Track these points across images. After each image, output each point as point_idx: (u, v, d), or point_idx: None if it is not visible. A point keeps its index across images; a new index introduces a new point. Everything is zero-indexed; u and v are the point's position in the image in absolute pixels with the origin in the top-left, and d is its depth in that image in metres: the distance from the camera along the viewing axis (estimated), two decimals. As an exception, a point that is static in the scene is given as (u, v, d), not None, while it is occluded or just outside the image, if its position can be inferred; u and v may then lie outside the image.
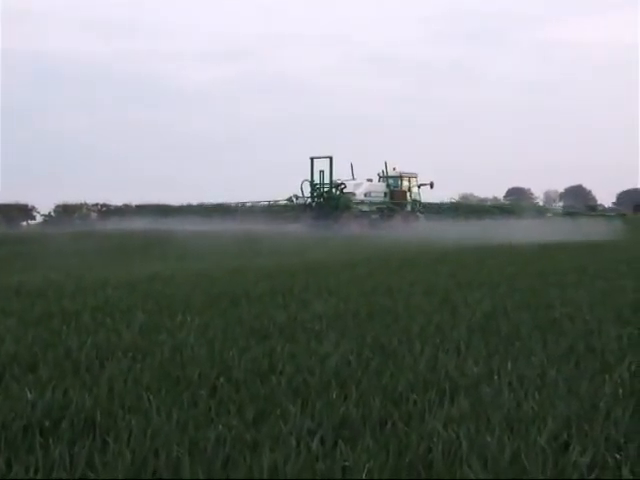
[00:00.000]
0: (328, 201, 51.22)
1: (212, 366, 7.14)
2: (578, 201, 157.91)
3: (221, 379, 6.68)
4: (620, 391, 6.12)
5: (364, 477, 4.56)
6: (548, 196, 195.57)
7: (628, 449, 4.93)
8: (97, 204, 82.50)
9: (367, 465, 4.65)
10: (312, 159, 52.08)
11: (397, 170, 56.42)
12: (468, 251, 25.50)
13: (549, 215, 68.97)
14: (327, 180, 52.37)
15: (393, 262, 19.81)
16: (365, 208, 53.02)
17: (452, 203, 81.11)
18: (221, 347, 8.02)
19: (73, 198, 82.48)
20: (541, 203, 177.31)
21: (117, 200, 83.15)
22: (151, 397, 6.06)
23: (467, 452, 4.83)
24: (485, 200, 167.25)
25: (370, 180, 55.45)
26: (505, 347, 7.96)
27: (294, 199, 53.69)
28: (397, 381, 6.51)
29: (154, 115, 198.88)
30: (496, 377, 6.65)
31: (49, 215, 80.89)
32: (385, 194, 54.81)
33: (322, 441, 5.18)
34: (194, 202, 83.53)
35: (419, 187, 58.00)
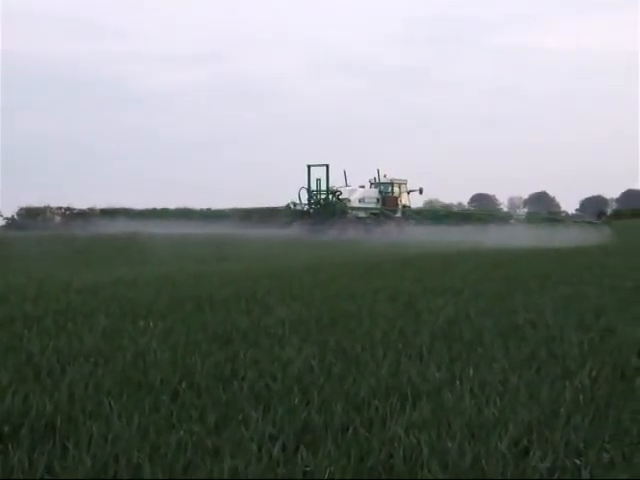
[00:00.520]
0: (325, 207, 52.93)
1: (174, 371, 7.12)
2: (542, 207, 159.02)
3: (183, 384, 6.66)
4: (581, 397, 6.16)
5: (325, 481, 4.57)
6: (512, 202, 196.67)
7: (588, 454, 4.96)
8: (61, 207, 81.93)
9: (328, 470, 4.66)
10: (309, 166, 54.06)
11: (388, 177, 57.95)
12: (449, 255, 25.60)
13: (512, 222, 69.85)
14: (323, 186, 54.18)
15: (361, 267, 19.85)
16: (360, 214, 54.42)
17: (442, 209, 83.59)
18: (184, 352, 7.99)
19: (37, 201, 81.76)
20: (505, 209, 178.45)
21: (81, 204, 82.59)
22: (112, 402, 6.02)
23: (428, 457, 4.85)
24: (450, 206, 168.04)
25: (363, 187, 57.16)
26: (468, 353, 7.99)
27: (292, 205, 55.30)
28: (359, 387, 6.51)
29: (119, 117, 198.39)
30: (458, 383, 6.67)
31: (12, 218, 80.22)
32: (378, 200, 56.48)
33: (283, 446, 5.18)
34: (158, 206, 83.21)
35: (409, 193, 59.63)
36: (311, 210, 53.68)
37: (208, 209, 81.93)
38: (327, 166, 53.55)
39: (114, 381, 6.72)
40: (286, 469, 4.76)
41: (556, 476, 4.67)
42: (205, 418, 5.74)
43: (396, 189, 58.37)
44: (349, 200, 54.39)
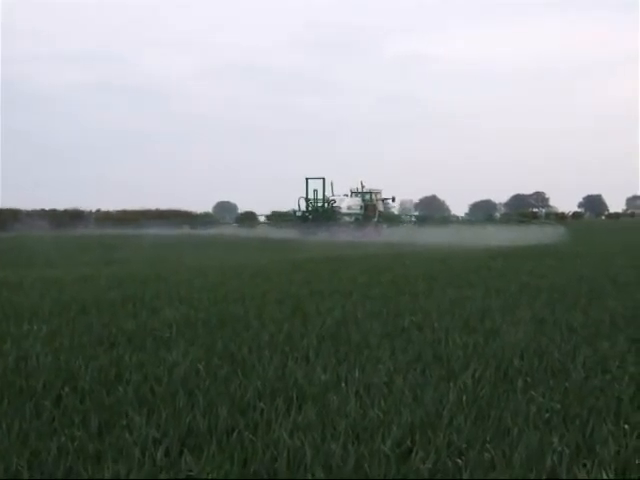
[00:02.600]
0: (323, 214, 62.10)
1: (57, 375, 7.00)
2: (432, 211, 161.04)
3: (66, 389, 6.55)
4: (464, 398, 6.24)
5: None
6: (404, 205, 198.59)
7: (469, 454, 5.03)
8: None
9: (211, 475, 4.63)
10: (307, 179, 63.05)
11: (366, 187, 66.68)
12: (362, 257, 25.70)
13: (403, 224, 74.66)
14: (320, 196, 63.38)
15: (251, 270, 19.78)
16: (347, 219, 63.29)
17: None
18: (68, 356, 7.87)
19: None
20: (396, 212, 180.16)
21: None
22: (-8, 408, 5.89)
23: (311, 460, 4.85)
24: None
25: (347, 195, 65.95)
26: (354, 355, 8.02)
27: (294, 212, 64.63)
28: (245, 389, 6.50)
29: (6, 118, 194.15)
30: (344, 385, 6.70)
31: None
32: (361, 207, 65.39)
33: (167, 451, 5.13)
34: (47, 207, 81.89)
35: (383, 201, 69.44)
36: (310, 216, 61.99)
37: (98, 210, 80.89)
38: (323, 179, 62.85)
39: (-6, 386, 6.57)
40: (168, 474, 4.72)
41: (438, 477, 4.72)
42: (88, 423, 5.66)
43: (374, 197, 67.02)
44: (340, 207, 63.42)
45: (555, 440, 5.24)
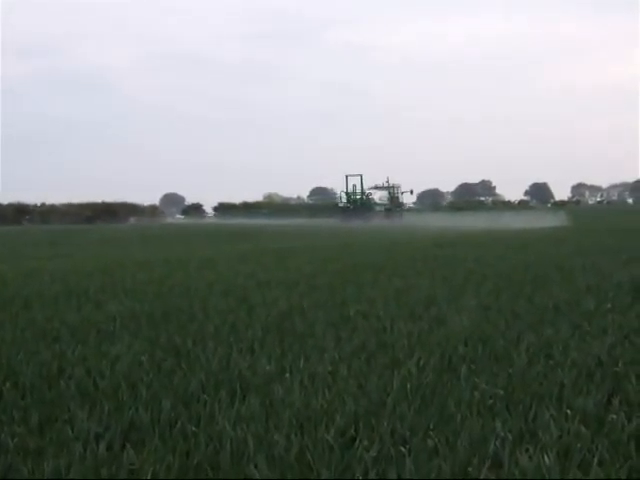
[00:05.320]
0: (361, 204, 76.78)
1: (-2, 371, 6.91)
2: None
3: (7, 384, 6.46)
4: (408, 386, 6.24)
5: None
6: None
7: (412, 442, 5.03)
8: None
9: (152, 468, 4.58)
10: (347, 176, 78.46)
11: (390, 182, 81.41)
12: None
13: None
14: (355, 190, 79.02)
15: (197, 262, 19.69)
16: (378, 209, 77.82)
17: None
18: (9, 351, 7.77)
19: None
20: (411, 204, 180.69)
21: None
22: None
23: (255, 451, 4.83)
24: (290, 199, 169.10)
25: (374, 188, 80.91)
26: (299, 345, 8.01)
27: (339, 203, 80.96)
28: (189, 382, 6.45)
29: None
30: (288, 375, 6.68)
31: None
32: (387, 199, 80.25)
33: (110, 445, 5.07)
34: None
35: (402, 194, 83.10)
36: (351, 207, 76.57)
37: (43, 204, 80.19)
38: (361, 176, 78.15)
39: None
40: (110, 468, 4.67)
41: (382, 465, 4.71)
42: (29, 418, 5.59)
43: (396, 190, 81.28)
44: (374, 199, 79.49)
45: (498, 426, 5.25)
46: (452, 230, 39.94)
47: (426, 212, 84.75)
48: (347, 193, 78.52)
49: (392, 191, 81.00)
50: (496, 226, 45.26)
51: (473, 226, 45.70)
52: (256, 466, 4.64)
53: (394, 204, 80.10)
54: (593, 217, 56.73)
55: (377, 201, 79.86)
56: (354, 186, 78.27)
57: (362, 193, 78.93)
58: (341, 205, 79.38)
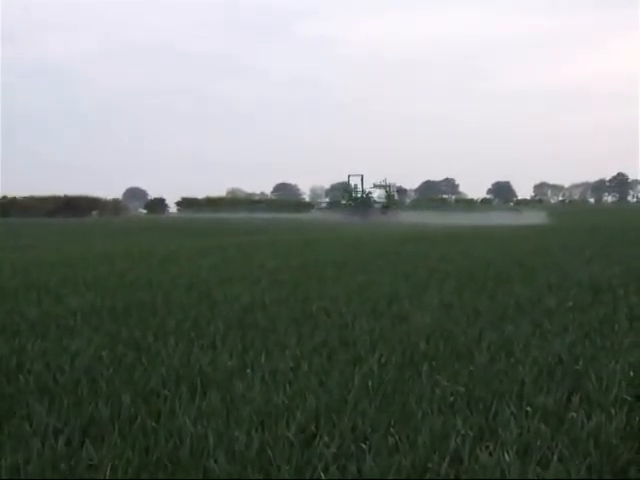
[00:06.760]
0: (362, 202, 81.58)
1: (-45, 366, 6.84)
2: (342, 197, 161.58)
3: (-35, 378, 6.39)
4: (369, 382, 6.24)
5: (107, 476, 4.46)
6: (314, 192, 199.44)
7: (373, 438, 5.03)
8: None
9: (111, 464, 4.55)
10: (349, 176, 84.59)
11: (386, 181, 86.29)
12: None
13: (314, 210, 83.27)
14: (356, 188, 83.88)
15: (159, 255, 19.59)
16: (377, 206, 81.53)
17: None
18: (-33, 345, 7.69)
19: None
20: (307, 199, 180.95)
21: None
22: None
23: (215, 447, 4.81)
24: (253, 195, 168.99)
25: (373, 187, 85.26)
26: (261, 341, 7.99)
27: (339, 201, 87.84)
28: (149, 377, 6.41)
29: None
30: (249, 371, 6.66)
31: None
32: (385, 197, 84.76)
33: (69, 440, 5.03)
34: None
35: (397, 191, 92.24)
36: (352, 204, 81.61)
37: (4, 197, 79.75)
38: (362, 176, 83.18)
39: None
40: (69, 463, 4.63)
41: (342, 461, 4.71)
42: (-14, 413, 5.53)
43: (392, 189, 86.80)
44: (373, 197, 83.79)
45: (459, 423, 5.26)
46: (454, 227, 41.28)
47: (422, 209, 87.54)
48: (348, 192, 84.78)
49: (388, 190, 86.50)
50: (486, 224, 46.70)
51: (473, 224, 46.75)
52: (216, 461, 4.62)
53: (391, 202, 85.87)
54: (558, 216, 57.36)
55: (376, 199, 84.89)
56: (355, 185, 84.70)
57: (362, 192, 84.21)
58: (343, 202, 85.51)
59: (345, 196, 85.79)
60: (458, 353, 7.46)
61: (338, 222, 61.51)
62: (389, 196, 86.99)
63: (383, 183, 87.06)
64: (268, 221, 58.42)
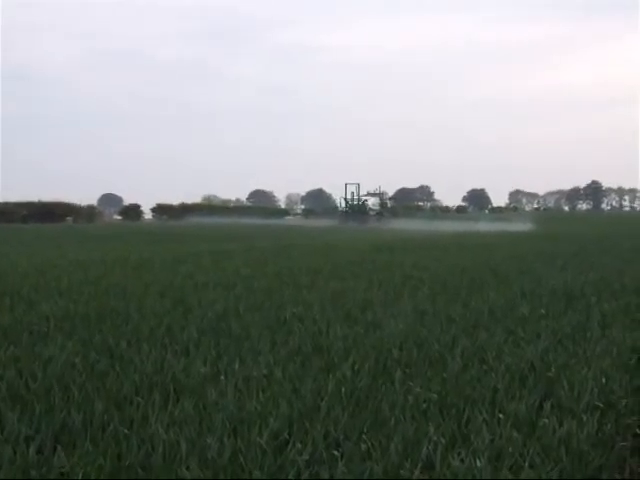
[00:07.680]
0: (359, 209, 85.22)
1: None
2: (318, 204, 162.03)
3: (-64, 386, 6.35)
4: (342, 389, 6.25)
5: (78, 483, 4.45)
6: (290, 199, 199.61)
7: (346, 445, 5.04)
8: None
9: (83, 471, 4.54)
10: (346, 184, 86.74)
11: (380, 189, 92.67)
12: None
13: (289, 217, 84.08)
14: (353, 196, 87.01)
15: (134, 262, 19.52)
16: (372, 213, 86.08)
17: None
18: (-62, 352, 7.63)
19: None
20: (283, 205, 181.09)
21: None
22: None
23: (187, 454, 4.80)
24: (228, 201, 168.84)
25: (368, 195, 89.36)
26: (235, 348, 7.98)
27: (339, 208, 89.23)
28: (122, 384, 6.39)
29: None
30: (223, 378, 6.66)
31: None
32: (379, 204, 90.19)
33: (40, 448, 5.01)
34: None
35: (389, 199, 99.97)
36: (349, 211, 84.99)
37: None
38: (358, 184, 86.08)
39: None
40: (40, 471, 4.61)
41: (314, 468, 4.71)
42: (-43, 421, 5.49)
43: (385, 197, 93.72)
44: (369, 205, 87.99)
45: (431, 430, 5.28)
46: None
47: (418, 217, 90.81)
48: (345, 199, 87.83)
49: (382, 197, 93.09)
50: (472, 230, 49.25)
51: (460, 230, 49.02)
52: (188, 468, 4.61)
53: (384, 209, 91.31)
54: (534, 223, 57.81)
55: (371, 206, 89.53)
56: (352, 193, 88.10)
57: (358, 199, 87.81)
58: (340, 209, 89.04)
59: (343, 203, 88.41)
60: (431, 360, 7.48)
61: (326, 228, 62.39)
62: (382, 203, 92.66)
63: (377, 191, 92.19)
64: (244, 227, 58.18)
